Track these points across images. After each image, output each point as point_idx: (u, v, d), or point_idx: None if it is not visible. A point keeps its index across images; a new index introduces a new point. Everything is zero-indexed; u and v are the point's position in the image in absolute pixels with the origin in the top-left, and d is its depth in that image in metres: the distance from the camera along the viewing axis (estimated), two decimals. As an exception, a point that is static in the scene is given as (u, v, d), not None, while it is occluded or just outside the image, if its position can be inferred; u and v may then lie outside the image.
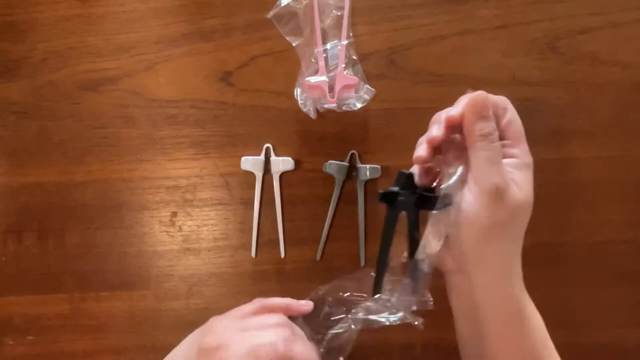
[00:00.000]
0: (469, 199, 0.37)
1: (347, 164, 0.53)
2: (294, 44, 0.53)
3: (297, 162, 0.54)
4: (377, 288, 0.41)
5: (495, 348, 0.40)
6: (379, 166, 0.53)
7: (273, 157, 0.54)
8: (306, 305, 0.48)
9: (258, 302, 0.46)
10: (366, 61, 0.54)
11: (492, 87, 0.53)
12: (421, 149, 0.40)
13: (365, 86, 0.52)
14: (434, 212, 0.39)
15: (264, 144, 0.54)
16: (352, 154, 0.53)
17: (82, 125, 0.56)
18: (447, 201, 0.38)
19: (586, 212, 0.52)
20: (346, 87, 0.52)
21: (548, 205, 0.52)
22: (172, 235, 0.55)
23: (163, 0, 0.56)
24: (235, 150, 0.54)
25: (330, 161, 0.53)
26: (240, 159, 0.54)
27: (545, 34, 0.54)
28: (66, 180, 0.55)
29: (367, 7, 0.55)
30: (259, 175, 0.54)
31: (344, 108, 0.52)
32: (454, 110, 0.39)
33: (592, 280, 0.52)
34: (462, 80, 0.54)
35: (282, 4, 0.53)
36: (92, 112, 0.56)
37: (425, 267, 0.40)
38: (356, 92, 0.52)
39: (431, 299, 0.41)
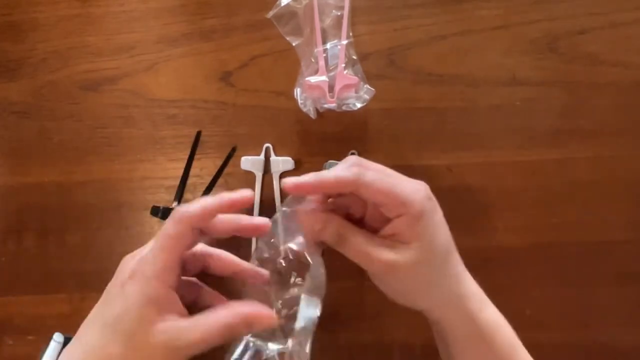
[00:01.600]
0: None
1: (347, 164, 0.53)
2: (293, 44, 0.53)
3: (297, 162, 0.54)
4: None
5: None
6: (379, 166, 0.53)
7: (273, 157, 0.54)
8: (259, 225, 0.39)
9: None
10: (366, 61, 0.54)
11: (492, 87, 0.54)
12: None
13: (365, 86, 0.52)
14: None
15: (264, 144, 0.54)
16: (352, 154, 0.53)
17: (82, 125, 0.56)
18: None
19: (586, 212, 0.52)
20: (346, 87, 0.52)
21: (548, 205, 0.52)
22: (172, 235, 0.55)
23: (163, 0, 0.56)
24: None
25: (330, 161, 0.53)
26: (240, 159, 0.54)
27: (545, 34, 0.54)
28: (66, 180, 0.55)
29: (367, 7, 0.55)
30: (258, 175, 0.54)
31: (343, 108, 0.52)
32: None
33: (592, 280, 0.52)
34: (462, 80, 0.54)
35: (282, 4, 0.53)
36: (92, 112, 0.56)
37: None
38: (356, 92, 0.52)
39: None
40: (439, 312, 0.40)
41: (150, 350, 0.35)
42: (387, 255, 0.37)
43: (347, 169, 0.38)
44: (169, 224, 0.37)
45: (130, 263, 0.38)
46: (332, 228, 0.38)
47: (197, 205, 0.37)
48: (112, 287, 0.38)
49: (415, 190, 0.37)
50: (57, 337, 0.43)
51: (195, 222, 0.37)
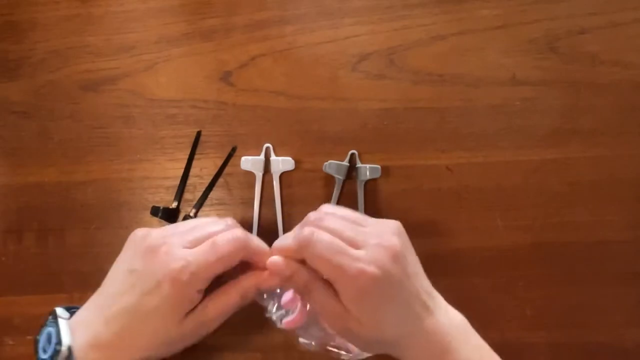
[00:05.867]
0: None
1: (347, 164, 0.53)
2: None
3: (297, 162, 0.54)
4: None
5: None
6: (379, 166, 0.53)
7: (273, 157, 0.54)
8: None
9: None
10: (366, 61, 0.54)
11: (492, 87, 0.54)
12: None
13: None
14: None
15: (264, 144, 0.54)
16: (352, 153, 0.53)
17: (82, 125, 0.56)
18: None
19: (586, 212, 0.52)
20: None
21: (548, 205, 0.52)
22: (172, 235, 0.55)
23: (163, 0, 0.56)
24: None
25: (330, 161, 0.53)
26: (240, 159, 0.54)
27: (545, 34, 0.54)
28: (66, 180, 0.55)
29: (367, 7, 0.55)
30: (259, 175, 0.54)
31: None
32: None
33: (592, 280, 0.52)
34: (462, 80, 0.54)
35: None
36: (92, 112, 0.56)
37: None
38: None
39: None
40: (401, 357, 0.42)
41: (180, 334, 0.40)
42: (341, 323, 0.39)
43: (299, 232, 0.39)
44: (224, 245, 0.40)
45: (161, 257, 0.40)
46: (300, 278, 0.40)
47: (258, 243, 0.43)
48: (136, 267, 0.41)
49: (359, 271, 0.37)
50: (62, 313, 0.43)
51: (245, 254, 0.42)
